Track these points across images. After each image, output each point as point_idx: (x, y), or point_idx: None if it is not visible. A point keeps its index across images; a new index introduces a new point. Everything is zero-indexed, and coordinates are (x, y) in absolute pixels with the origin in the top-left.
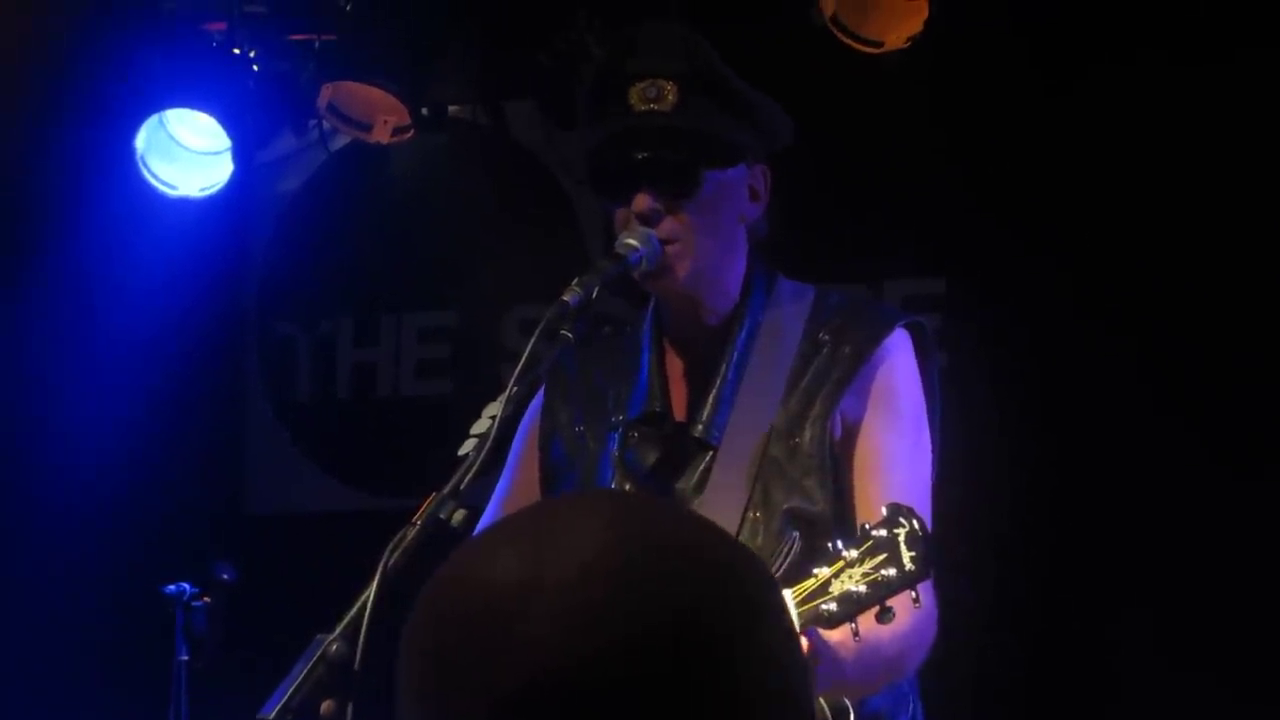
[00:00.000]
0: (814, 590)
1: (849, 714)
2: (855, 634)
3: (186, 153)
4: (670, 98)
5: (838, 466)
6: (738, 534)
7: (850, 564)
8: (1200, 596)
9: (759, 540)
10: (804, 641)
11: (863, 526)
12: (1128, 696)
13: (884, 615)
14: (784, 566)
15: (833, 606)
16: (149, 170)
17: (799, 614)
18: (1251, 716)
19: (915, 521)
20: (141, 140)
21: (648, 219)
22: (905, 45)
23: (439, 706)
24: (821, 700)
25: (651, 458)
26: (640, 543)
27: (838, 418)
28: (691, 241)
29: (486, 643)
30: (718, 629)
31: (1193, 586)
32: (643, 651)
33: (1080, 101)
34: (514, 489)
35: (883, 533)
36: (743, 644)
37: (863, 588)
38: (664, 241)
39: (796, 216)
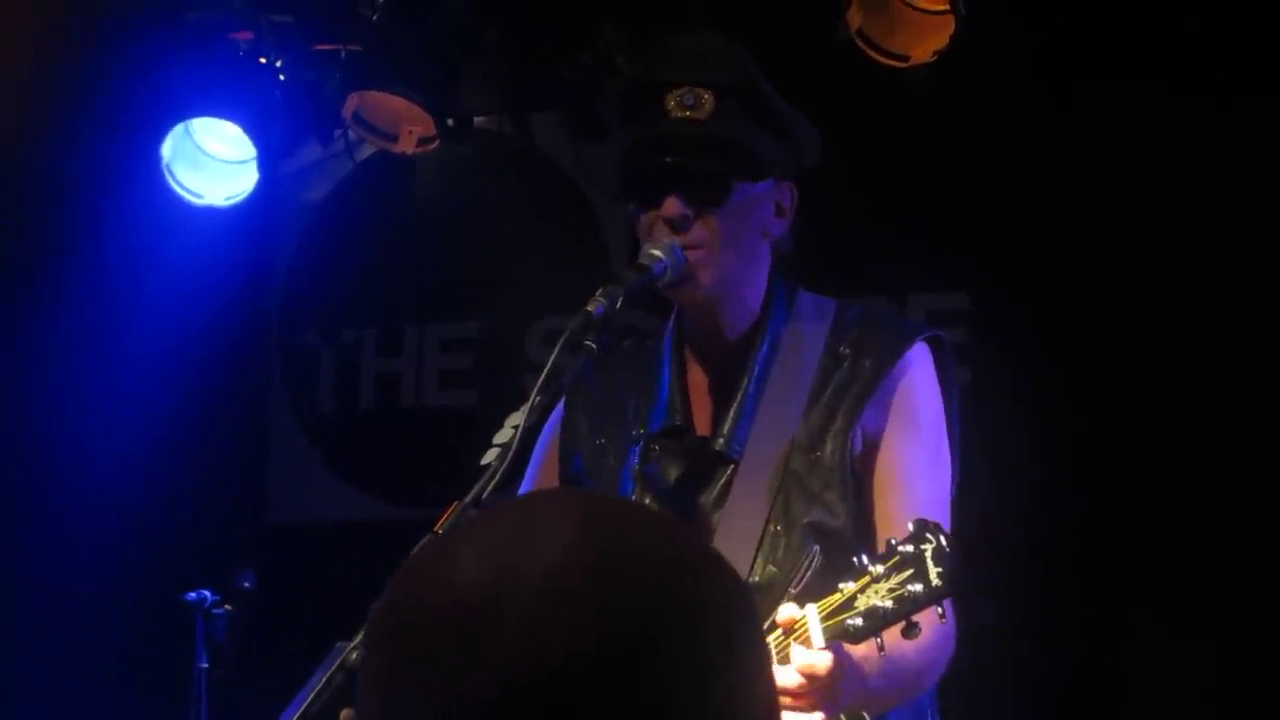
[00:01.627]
0: (840, 605)
1: None
2: (880, 649)
3: (212, 161)
4: (707, 106)
5: (858, 480)
6: (758, 547)
7: (876, 579)
8: (1227, 613)
9: (780, 554)
10: (830, 656)
11: (889, 542)
12: (1151, 714)
13: (910, 630)
14: (805, 580)
15: (859, 621)
16: (174, 179)
17: (825, 628)
18: None
19: (942, 537)
20: (167, 149)
21: (676, 224)
22: (931, 60)
23: (404, 712)
24: (841, 716)
25: (673, 472)
26: (610, 545)
27: (858, 431)
28: (717, 249)
29: (454, 647)
30: (685, 633)
31: (1219, 603)
32: (610, 658)
33: (1105, 118)
34: None
35: (910, 548)
36: (710, 649)
37: (889, 603)
38: (689, 248)
39: (821, 229)
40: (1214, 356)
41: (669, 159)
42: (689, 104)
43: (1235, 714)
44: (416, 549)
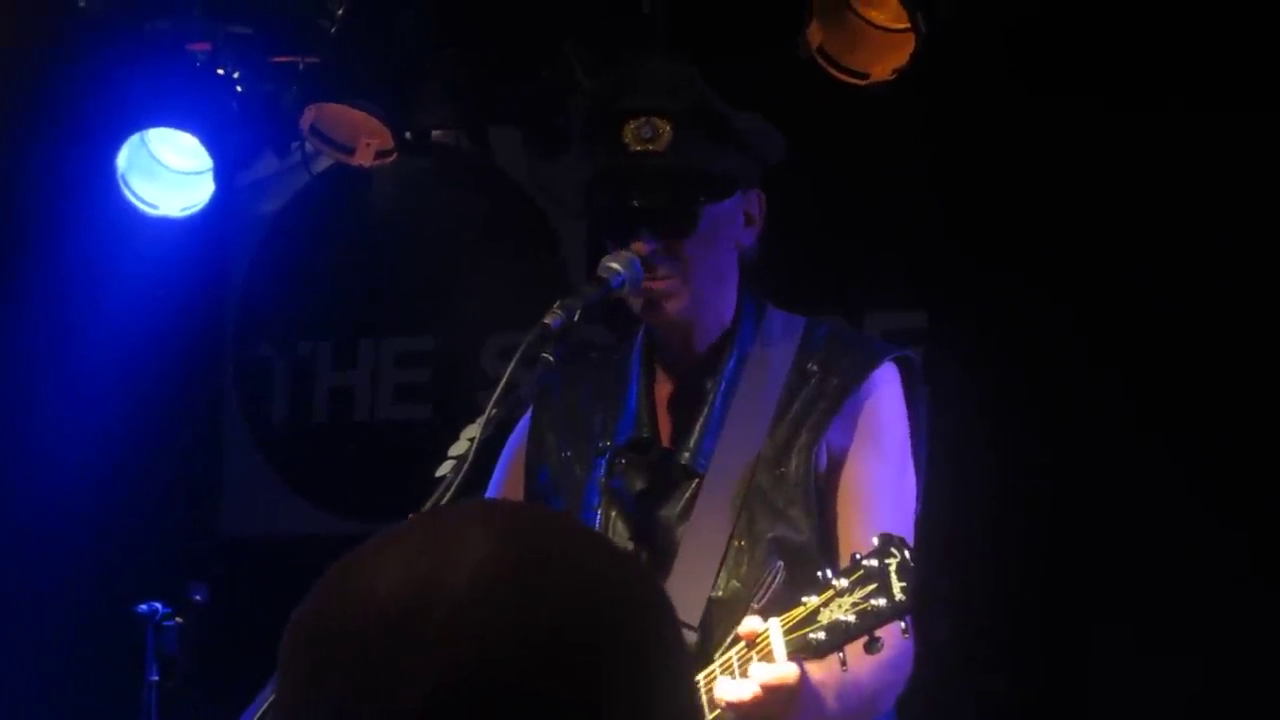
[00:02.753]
0: (803, 619)
1: None
2: (843, 664)
3: (168, 172)
4: (665, 136)
5: (823, 496)
6: (722, 562)
7: (840, 593)
8: (1190, 628)
9: (743, 569)
10: (791, 671)
11: (853, 556)
12: None
13: (872, 645)
14: (768, 595)
15: (821, 635)
16: (130, 189)
17: (787, 642)
18: None
19: (906, 552)
20: (123, 159)
21: (647, 261)
22: (891, 78)
23: None
24: None
25: (638, 484)
26: (529, 553)
27: (823, 448)
28: (687, 277)
29: (376, 658)
30: (605, 639)
31: (1182, 618)
32: (532, 665)
33: (1064, 137)
34: None
35: (874, 563)
36: (629, 654)
37: (852, 617)
38: (659, 278)
39: (778, 248)
40: (1176, 371)
41: (633, 198)
42: (646, 136)
43: None
44: (339, 561)
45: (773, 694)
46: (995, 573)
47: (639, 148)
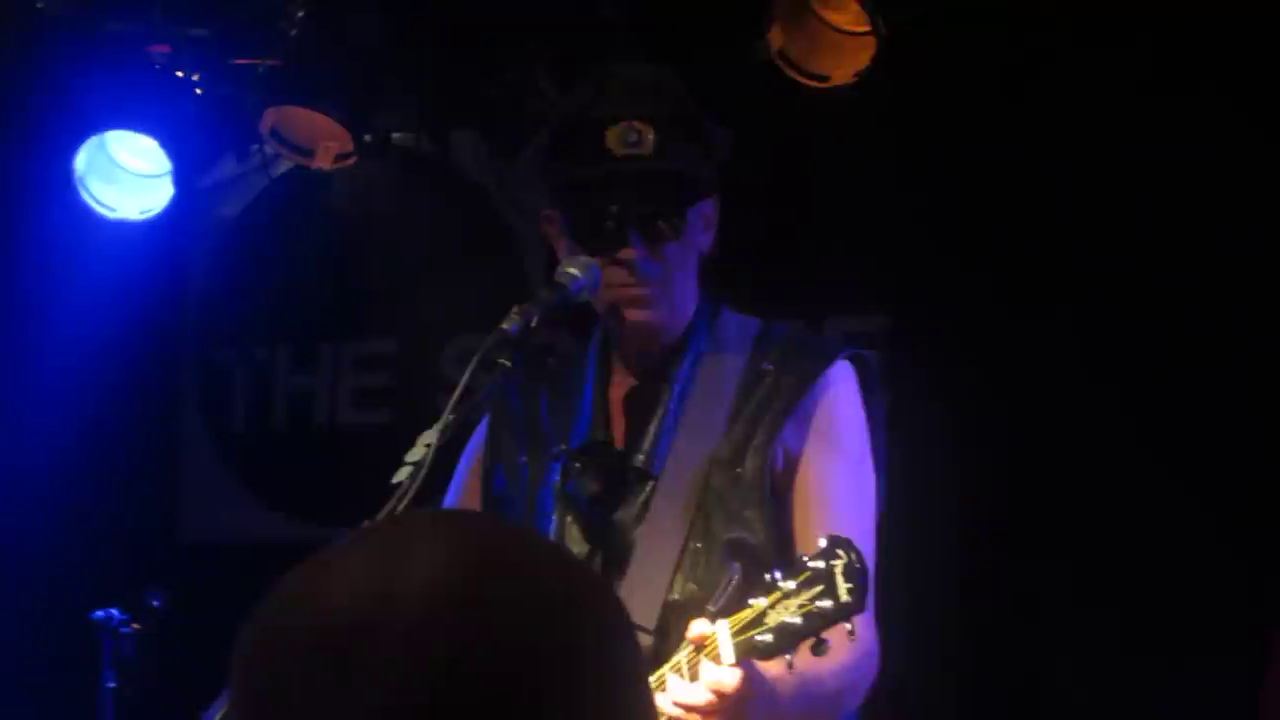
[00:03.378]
0: (750, 621)
1: None
2: (790, 667)
3: (127, 175)
4: (649, 142)
5: (779, 497)
6: (678, 565)
7: (787, 595)
8: (1151, 636)
9: (699, 571)
10: (738, 673)
11: (800, 558)
12: None
13: (819, 648)
14: (725, 598)
15: (769, 638)
16: (88, 192)
17: (735, 644)
18: None
19: (853, 554)
20: (81, 161)
21: (634, 268)
22: (852, 81)
23: None
24: None
25: (592, 488)
26: (483, 565)
27: (779, 448)
28: (668, 283)
29: (327, 671)
30: (557, 664)
31: (1144, 618)
32: (486, 678)
33: (1025, 141)
34: None
35: (820, 564)
36: (586, 671)
37: (798, 619)
38: (644, 283)
39: (740, 250)
40: (1140, 371)
41: (621, 204)
42: (631, 141)
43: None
44: (291, 572)
45: (723, 697)
46: (958, 575)
47: (624, 152)
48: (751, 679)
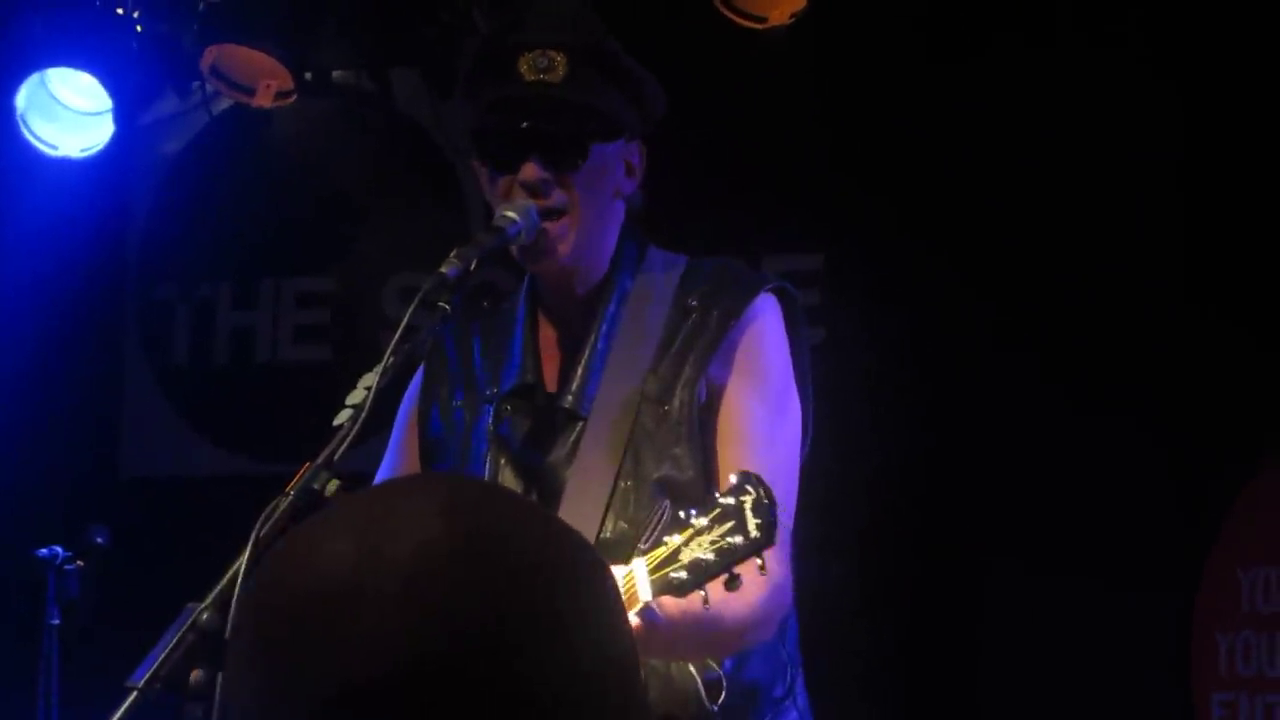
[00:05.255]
0: (665, 558)
1: (723, 684)
2: (705, 601)
3: (67, 112)
4: (560, 69)
5: (705, 432)
6: (608, 504)
7: (699, 531)
8: (1072, 574)
9: (630, 509)
10: (635, 616)
11: (711, 495)
12: (1000, 670)
13: (731, 583)
14: (655, 535)
15: (683, 575)
16: (29, 129)
17: (651, 581)
18: (1127, 684)
19: (761, 489)
20: (22, 99)
21: (535, 188)
22: (789, 22)
23: (267, 703)
24: (692, 668)
25: (524, 430)
26: (472, 530)
27: (704, 383)
28: (576, 214)
29: (318, 633)
30: (540, 614)
31: (1066, 562)
32: (468, 649)
33: (959, 80)
34: (398, 472)
35: (730, 500)
36: (571, 632)
37: (711, 555)
38: (550, 213)
39: (676, 190)
40: (1075, 317)
41: (525, 123)
42: (542, 67)
43: (1088, 649)
44: (269, 526)
45: None
46: (887, 513)
47: (534, 78)
48: (653, 616)
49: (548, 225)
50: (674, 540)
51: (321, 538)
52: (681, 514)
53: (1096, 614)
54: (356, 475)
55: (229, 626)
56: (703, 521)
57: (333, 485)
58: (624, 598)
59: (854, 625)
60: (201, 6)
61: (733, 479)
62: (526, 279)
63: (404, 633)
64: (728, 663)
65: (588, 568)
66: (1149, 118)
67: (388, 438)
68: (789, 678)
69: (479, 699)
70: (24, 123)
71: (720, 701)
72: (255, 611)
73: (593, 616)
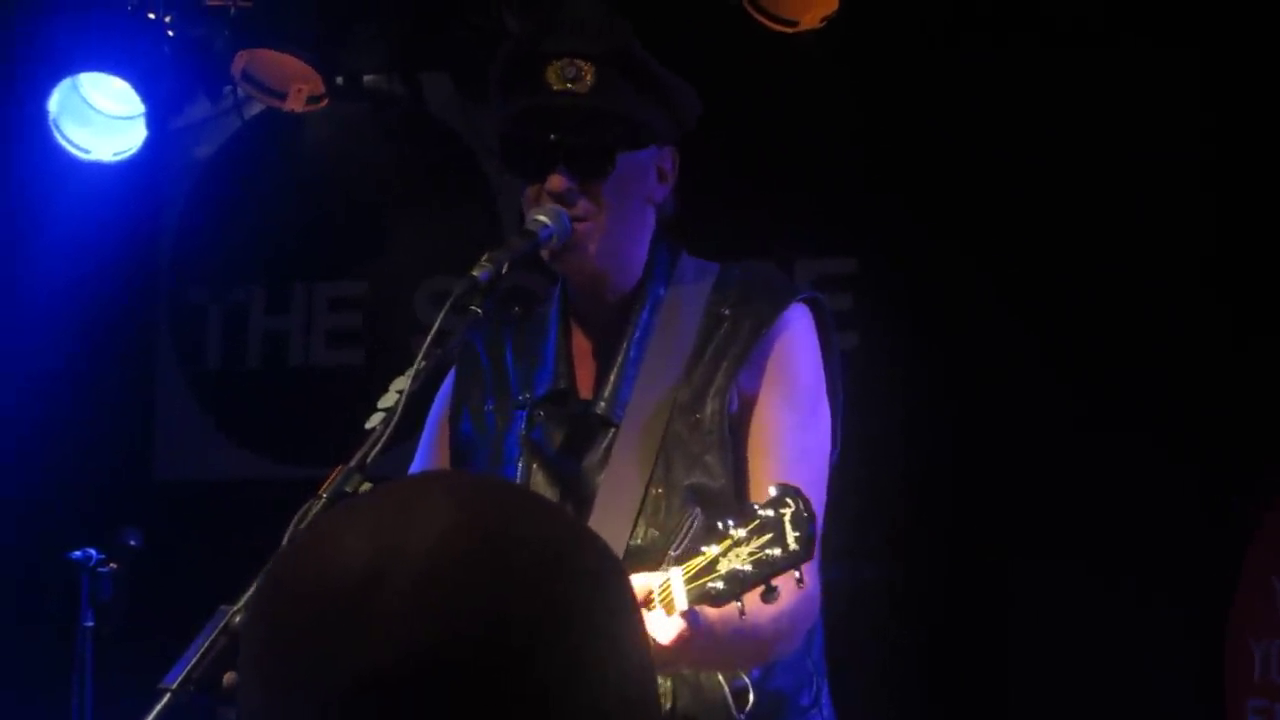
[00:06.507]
0: (703, 568)
1: (749, 693)
2: (741, 612)
3: (100, 117)
4: (588, 78)
5: (736, 441)
6: (640, 510)
7: (738, 543)
8: (1104, 581)
9: (661, 517)
10: (680, 623)
11: (750, 506)
12: (1030, 678)
13: (769, 594)
14: (685, 543)
15: (720, 585)
16: (62, 134)
17: (688, 590)
18: (1160, 691)
19: (801, 502)
20: (54, 103)
21: (562, 198)
22: (820, 25)
23: (279, 694)
24: (720, 677)
25: (557, 436)
26: (490, 528)
27: (735, 392)
28: (603, 220)
29: (328, 631)
30: (553, 611)
31: (1098, 568)
32: (483, 643)
33: (994, 84)
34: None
35: (769, 512)
36: (585, 633)
37: (748, 567)
38: (576, 219)
39: (708, 195)
40: (1105, 324)
41: (551, 134)
42: (569, 76)
43: (1121, 656)
44: (301, 526)
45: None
46: (918, 518)
47: (560, 87)
48: (693, 626)
49: (577, 226)
50: (712, 550)
51: (340, 530)
52: (720, 524)
53: (1129, 621)
54: (388, 479)
55: (243, 616)
56: (741, 533)
57: (365, 488)
58: (660, 606)
59: (883, 631)
60: (233, 10)
61: (772, 491)
62: (559, 285)
63: (420, 625)
64: (755, 671)
65: (604, 570)
66: (1194, 124)
67: (419, 441)
68: (815, 686)
69: (492, 692)
70: (57, 127)
71: (748, 710)
72: (271, 602)
73: (607, 618)
